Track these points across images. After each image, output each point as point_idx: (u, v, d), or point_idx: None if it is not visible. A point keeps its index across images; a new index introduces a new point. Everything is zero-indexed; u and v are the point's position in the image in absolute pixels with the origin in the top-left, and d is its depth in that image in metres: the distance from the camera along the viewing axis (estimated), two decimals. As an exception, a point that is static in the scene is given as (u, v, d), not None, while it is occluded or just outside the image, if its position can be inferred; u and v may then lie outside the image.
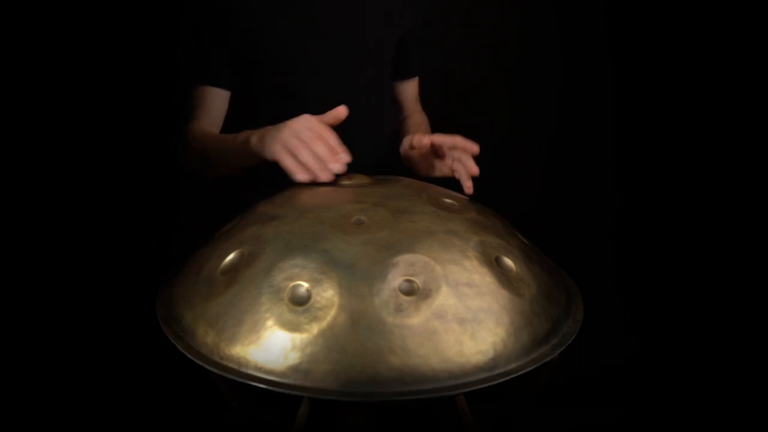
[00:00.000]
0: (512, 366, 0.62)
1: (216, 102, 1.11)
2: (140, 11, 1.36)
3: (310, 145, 0.79)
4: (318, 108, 1.09)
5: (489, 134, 1.47)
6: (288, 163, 0.79)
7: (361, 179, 0.79)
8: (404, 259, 0.63)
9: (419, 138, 0.90)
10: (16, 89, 1.29)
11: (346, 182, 0.79)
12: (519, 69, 1.62)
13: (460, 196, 0.80)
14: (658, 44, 1.55)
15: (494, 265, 0.67)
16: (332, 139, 0.80)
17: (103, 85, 1.37)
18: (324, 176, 0.78)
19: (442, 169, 0.93)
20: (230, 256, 0.68)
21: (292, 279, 0.62)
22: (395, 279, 0.62)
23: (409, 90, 1.29)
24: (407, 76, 1.27)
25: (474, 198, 0.82)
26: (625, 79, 1.60)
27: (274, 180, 1.09)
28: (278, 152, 0.80)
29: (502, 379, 0.60)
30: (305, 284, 0.62)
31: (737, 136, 1.50)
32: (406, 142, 0.97)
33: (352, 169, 0.81)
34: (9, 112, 1.29)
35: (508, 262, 0.68)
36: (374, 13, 1.14)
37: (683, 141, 1.56)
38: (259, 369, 0.60)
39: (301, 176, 0.78)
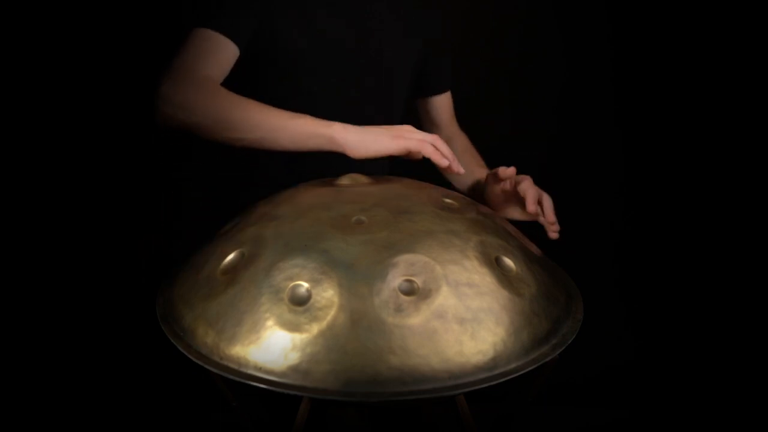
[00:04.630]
0: (512, 366, 0.62)
1: (228, 57, 0.97)
2: (140, 8, 1.35)
3: (436, 143, 0.85)
4: (324, 114, 1.07)
5: (489, 134, 1.47)
6: (428, 149, 0.83)
7: (360, 179, 0.79)
8: (404, 259, 0.63)
9: (504, 170, 0.95)
10: (14, 88, 1.29)
11: (345, 182, 0.79)
12: (519, 69, 1.62)
13: (460, 196, 0.80)
14: (660, 43, 1.55)
15: (494, 265, 0.67)
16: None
17: (104, 85, 1.36)
18: (458, 168, 0.85)
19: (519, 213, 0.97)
20: (230, 256, 0.68)
21: (292, 279, 0.62)
22: (395, 279, 0.62)
23: (443, 106, 1.26)
24: (437, 92, 1.24)
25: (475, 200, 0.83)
26: (626, 79, 1.60)
27: (274, 180, 1.09)
28: (410, 143, 0.83)
29: (502, 379, 0.60)
30: (305, 284, 0.62)
31: (737, 137, 1.50)
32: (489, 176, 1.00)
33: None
34: (8, 111, 1.29)
35: (508, 262, 0.68)
36: (392, 23, 1.11)
37: (683, 142, 1.56)
38: (259, 369, 0.60)
39: (444, 162, 0.84)
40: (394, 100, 1.16)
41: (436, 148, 0.84)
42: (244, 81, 1.02)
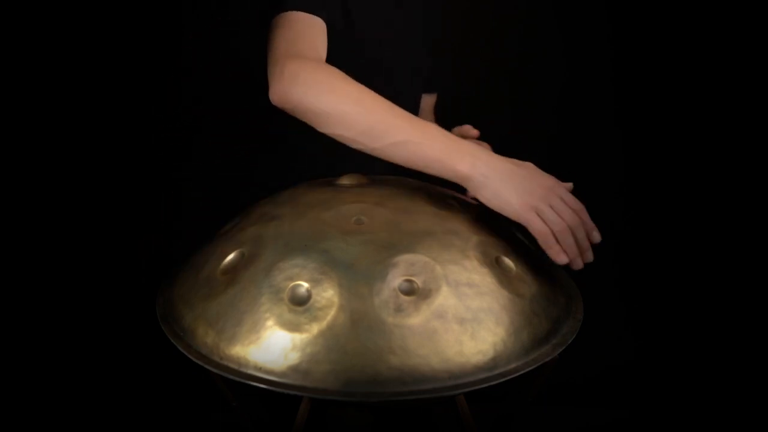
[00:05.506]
0: (512, 366, 0.62)
1: (325, 39, 0.90)
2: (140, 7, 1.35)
3: (573, 230, 0.71)
4: None
5: (489, 134, 1.47)
6: (548, 241, 0.70)
7: (361, 179, 0.79)
8: (404, 259, 0.63)
9: (468, 128, 0.86)
10: (13, 88, 1.29)
11: (346, 182, 0.79)
12: (519, 69, 1.62)
13: (460, 196, 0.80)
14: (660, 44, 1.55)
15: (494, 265, 0.67)
16: (588, 220, 0.75)
17: (104, 83, 1.36)
18: (578, 266, 0.72)
19: None
20: (230, 256, 0.68)
21: (292, 279, 0.63)
22: (395, 279, 0.62)
23: (427, 106, 1.27)
24: (429, 91, 1.25)
25: (474, 198, 0.83)
26: (626, 79, 1.60)
27: (274, 180, 1.09)
28: (534, 223, 0.70)
29: (502, 379, 0.60)
30: (305, 284, 0.62)
31: (737, 136, 1.50)
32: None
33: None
34: (8, 111, 1.28)
35: (508, 262, 0.69)
36: (412, 21, 1.10)
37: (683, 141, 1.56)
38: (259, 369, 0.60)
39: (561, 259, 0.70)
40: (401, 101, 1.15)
41: (560, 242, 0.70)
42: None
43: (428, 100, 1.28)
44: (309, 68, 0.82)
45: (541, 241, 0.70)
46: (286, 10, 0.90)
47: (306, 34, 0.89)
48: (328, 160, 1.04)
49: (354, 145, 0.79)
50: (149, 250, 1.32)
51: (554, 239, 0.70)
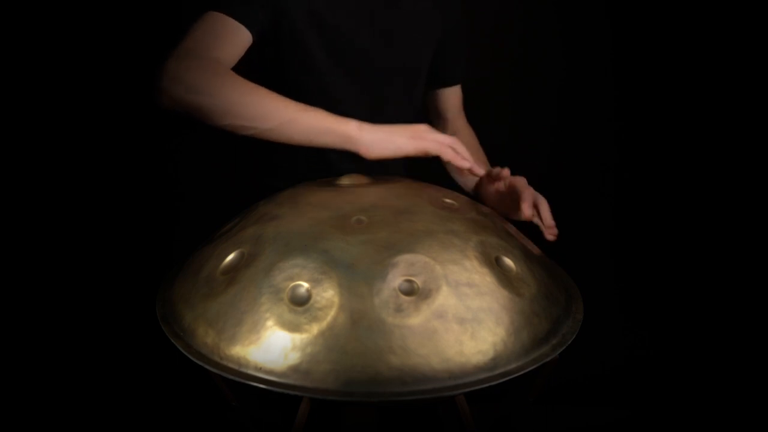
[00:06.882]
0: (512, 366, 0.62)
1: (240, 43, 0.92)
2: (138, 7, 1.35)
3: (456, 145, 0.85)
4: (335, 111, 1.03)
5: (488, 135, 1.48)
6: (449, 153, 0.83)
7: (361, 179, 0.79)
8: (404, 259, 0.63)
9: (497, 171, 0.90)
10: (13, 88, 1.29)
11: (345, 182, 0.79)
12: (518, 70, 1.62)
13: (460, 196, 0.80)
14: (659, 44, 1.55)
15: (494, 265, 0.67)
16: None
17: (103, 84, 1.37)
18: (479, 170, 0.86)
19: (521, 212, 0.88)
20: (230, 256, 0.68)
21: (292, 279, 0.63)
22: (395, 279, 0.62)
23: (451, 99, 1.22)
24: (447, 84, 1.20)
25: (474, 198, 0.83)
26: (623, 79, 1.60)
27: (275, 180, 1.08)
28: (431, 146, 0.83)
29: (502, 379, 0.60)
30: (305, 284, 0.62)
31: (737, 135, 1.50)
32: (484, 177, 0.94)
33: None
34: (7, 109, 1.29)
35: (508, 262, 0.69)
36: (406, 19, 1.07)
37: (682, 141, 1.56)
38: (259, 369, 0.60)
39: (465, 164, 0.84)
40: (406, 96, 1.13)
41: (456, 151, 0.84)
42: (257, 73, 0.97)
43: (453, 94, 1.22)
44: (189, 68, 0.84)
45: (444, 156, 0.83)
46: (216, 10, 0.92)
47: (218, 35, 0.90)
48: (328, 160, 1.04)
49: (247, 132, 0.85)
50: (149, 250, 1.32)
51: (453, 151, 0.83)
